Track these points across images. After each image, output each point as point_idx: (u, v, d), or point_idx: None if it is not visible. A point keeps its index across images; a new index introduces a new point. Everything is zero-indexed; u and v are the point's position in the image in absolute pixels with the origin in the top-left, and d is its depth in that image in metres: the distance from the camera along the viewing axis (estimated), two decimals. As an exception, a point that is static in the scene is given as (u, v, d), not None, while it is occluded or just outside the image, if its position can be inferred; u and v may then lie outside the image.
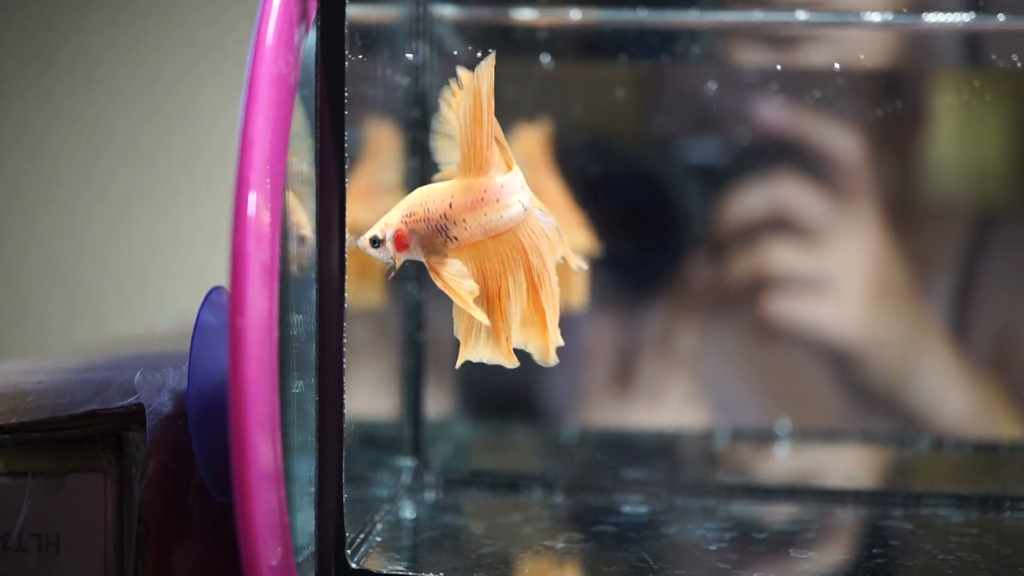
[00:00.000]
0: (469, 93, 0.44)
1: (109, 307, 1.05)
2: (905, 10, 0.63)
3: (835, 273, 0.70)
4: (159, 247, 1.04)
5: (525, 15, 0.64)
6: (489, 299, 0.46)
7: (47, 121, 1.05)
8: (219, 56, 1.03)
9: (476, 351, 0.46)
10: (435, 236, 0.46)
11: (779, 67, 0.68)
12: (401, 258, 0.47)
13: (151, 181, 1.04)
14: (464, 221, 0.46)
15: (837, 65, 0.66)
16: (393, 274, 0.47)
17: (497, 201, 0.45)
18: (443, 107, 0.44)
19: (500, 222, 0.46)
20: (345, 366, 0.47)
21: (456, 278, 0.46)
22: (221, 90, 1.01)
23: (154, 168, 1.04)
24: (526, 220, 0.46)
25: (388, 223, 0.46)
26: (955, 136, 0.70)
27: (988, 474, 0.70)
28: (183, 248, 1.04)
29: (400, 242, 0.46)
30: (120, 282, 1.05)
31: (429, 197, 0.46)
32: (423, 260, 0.47)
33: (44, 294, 1.07)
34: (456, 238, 0.46)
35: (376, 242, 0.46)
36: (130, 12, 1.04)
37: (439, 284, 0.46)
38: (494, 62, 0.43)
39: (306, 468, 0.49)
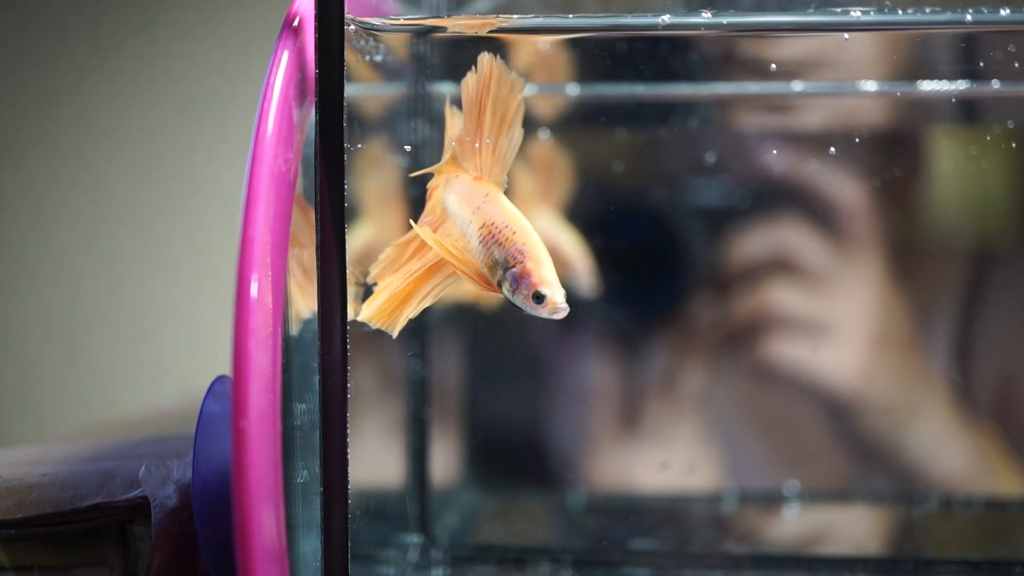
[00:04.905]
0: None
1: (117, 371, 1.05)
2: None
3: (836, 318, 0.70)
4: (165, 311, 1.04)
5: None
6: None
7: (49, 187, 1.06)
8: (220, 118, 1.03)
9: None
10: None
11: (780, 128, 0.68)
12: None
13: (154, 246, 1.05)
14: None
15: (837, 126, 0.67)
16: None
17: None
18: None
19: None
20: (348, 454, 0.47)
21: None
22: (223, 153, 1.02)
23: (156, 232, 1.05)
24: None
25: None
26: (957, 184, 0.70)
27: (998, 536, 0.69)
28: (189, 311, 1.04)
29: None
30: (127, 346, 1.05)
31: None
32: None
33: (51, 359, 1.07)
34: None
35: None
36: (129, 77, 1.05)
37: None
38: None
39: (312, 547, 0.49)
